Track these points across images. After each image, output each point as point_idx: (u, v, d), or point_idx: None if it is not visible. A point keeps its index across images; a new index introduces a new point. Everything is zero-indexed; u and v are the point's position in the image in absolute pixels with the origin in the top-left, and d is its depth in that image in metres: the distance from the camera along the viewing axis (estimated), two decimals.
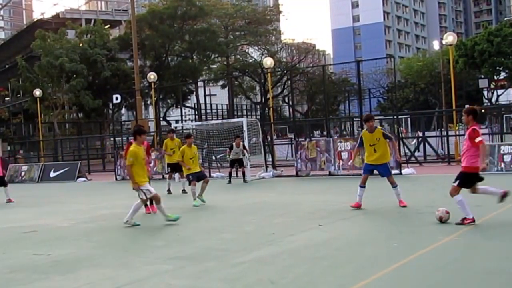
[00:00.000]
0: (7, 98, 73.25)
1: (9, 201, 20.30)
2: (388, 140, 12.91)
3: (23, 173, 33.89)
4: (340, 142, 23.73)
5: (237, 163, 23.59)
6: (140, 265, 8.33)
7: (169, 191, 19.25)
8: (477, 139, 9.94)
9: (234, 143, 23.41)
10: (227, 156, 24.34)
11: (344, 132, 49.59)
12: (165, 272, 7.83)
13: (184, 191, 18.98)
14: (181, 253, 9.03)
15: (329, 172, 23.51)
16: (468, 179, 10.15)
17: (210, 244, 9.76)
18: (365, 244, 9.14)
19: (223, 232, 10.95)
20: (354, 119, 40.81)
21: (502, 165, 20.93)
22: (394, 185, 12.82)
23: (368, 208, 12.67)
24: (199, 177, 15.81)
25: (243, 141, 23.68)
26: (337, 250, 8.80)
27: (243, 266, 7.91)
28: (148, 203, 13.87)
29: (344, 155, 22.85)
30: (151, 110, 63.63)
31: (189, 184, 15.75)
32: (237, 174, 24.39)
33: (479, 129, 10.17)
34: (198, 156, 16.57)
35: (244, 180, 23.31)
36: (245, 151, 23.41)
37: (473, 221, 9.95)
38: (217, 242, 9.89)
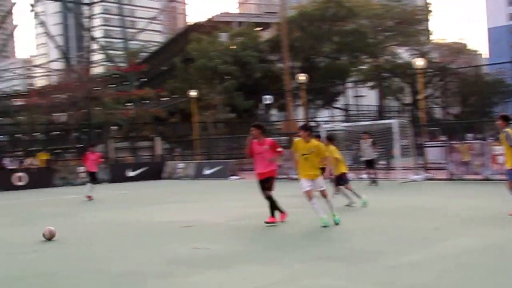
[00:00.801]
0: (164, 99, 76.33)
1: (89, 198, 21.47)
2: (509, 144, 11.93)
3: (179, 170, 35.29)
4: (495, 145, 22.76)
5: (369, 163, 22.99)
6: (292, 263, 8.40)
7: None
8: None
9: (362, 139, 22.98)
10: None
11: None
12: (317, 271, 7.87)
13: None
14: (333, 253, 9.04)
15: (484, 176, 22.61)
16: None
17: (361, 245, 9.69)
18: None
19: (374, 234, 10.83)
20: (510, 122, 39.02)
21: None
22: None
23: None
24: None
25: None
26: (495, 257, 8.42)
27: (397, 269, 7.78)
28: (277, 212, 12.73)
29: (500, 159, 21.89)
30: (300, 111, 64.18)
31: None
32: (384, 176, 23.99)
33: None
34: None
35: (374, 183, 22.69)
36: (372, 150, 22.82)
37: None
38: (368, 244, 9.79)
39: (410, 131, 26.49)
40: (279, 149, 12.66)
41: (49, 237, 11.60)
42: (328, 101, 57.30)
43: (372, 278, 7.36)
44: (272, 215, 12.54)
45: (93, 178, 22.61)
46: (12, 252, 10.54)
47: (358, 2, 60.57)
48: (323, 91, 55.09)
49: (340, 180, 15.61)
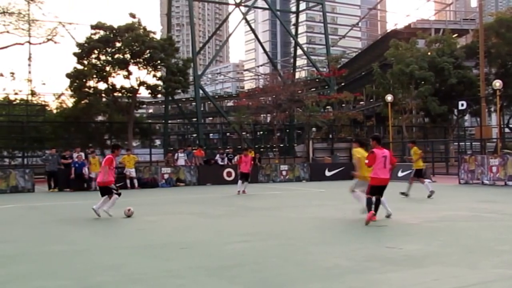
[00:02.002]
0: (361, 102, 76.37)
1: (241, 192, 24.48)
2: None
3: None
4: None
5: None
6: (486, 267, 8.16)
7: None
8: None
9: None
10: None
11: None
12: (511, 277, 7.58)
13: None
14: None
15: None
16: None
17: None
18: None
19: None
20: None
21: None
22: None
23: None
24: None
25: None
26: None
27: None
28: None
29: None
30: (494, 117, 61.24)
31: None
32: None
33: None
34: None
35: None
36: None
37: None
38: None
39: None
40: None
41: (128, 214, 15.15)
42: None
43: None
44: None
45: (245, 178, 24.99)
46: (222, 242, 11.06)
47: None
48: None
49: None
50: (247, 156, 25.75)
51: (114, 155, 16.39)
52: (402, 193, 20.42)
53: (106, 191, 15.47)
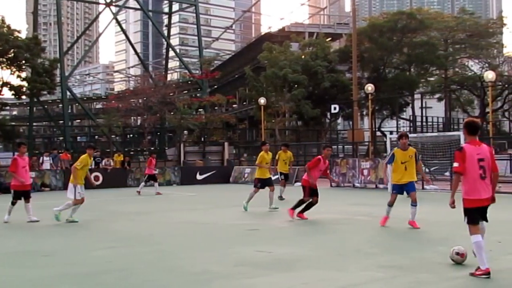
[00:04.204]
0: (234, 105, 77.02)
1: (158, 193, 25.77)
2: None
3: (246, 175, 35.46)
4: None
5: None
6: (355, 270, 8.36)
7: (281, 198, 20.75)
8: None
9: None
10: None
11: None
12: (378, 279, 7.77)
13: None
14: (394, 262, 8.90)
15: None
16: None
17: (424, 255, 9.51)
18: None
19: (436, 245, 10.58)
20: None
21: None
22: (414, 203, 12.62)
23: None
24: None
25: None
26: None
27: (458, 281, 7.64)
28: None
29: None
30: (366, 120, 63.69)
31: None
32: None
33: None
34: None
35: None
36: None
37: None
38: (431, 255, 9.58)
39: None
40: None
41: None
42: (395, 112, 56.48)
43: None
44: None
45: (154, 179, 26.88)
46: (88, 249, 10.79)
47: (429, 14, 59.75)
48: (390, 102, 54.46)
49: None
50: (154, 158, 27.65)
51: (18, 155, 15.18)
52: (280, 198, 20.67)
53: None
